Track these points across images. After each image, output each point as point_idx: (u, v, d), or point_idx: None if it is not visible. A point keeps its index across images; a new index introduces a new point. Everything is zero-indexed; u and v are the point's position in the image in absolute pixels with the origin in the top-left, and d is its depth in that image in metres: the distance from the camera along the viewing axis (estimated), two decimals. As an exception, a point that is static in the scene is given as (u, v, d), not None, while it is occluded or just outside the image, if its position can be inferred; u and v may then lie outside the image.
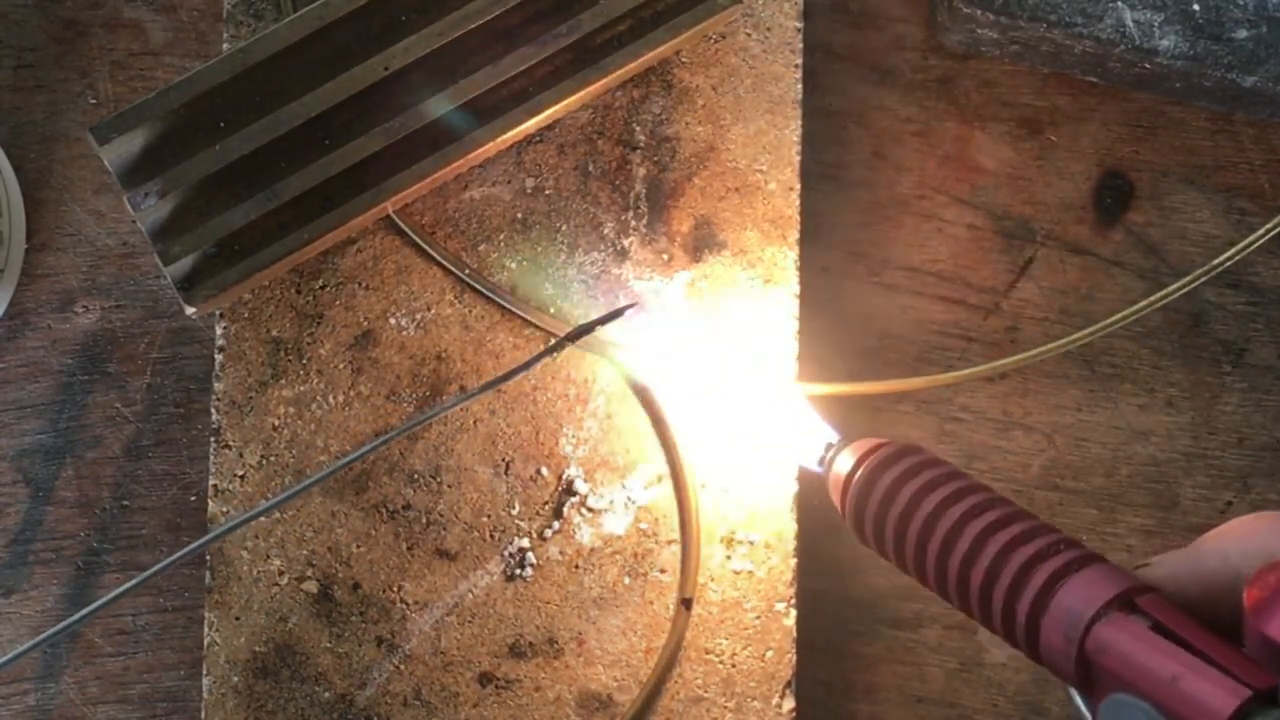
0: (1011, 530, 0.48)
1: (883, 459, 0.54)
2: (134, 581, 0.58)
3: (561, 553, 0.65)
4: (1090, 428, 0.72)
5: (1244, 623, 0.39)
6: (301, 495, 0.64)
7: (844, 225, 0.72)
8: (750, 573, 0.65)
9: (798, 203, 0.66)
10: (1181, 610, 0.44)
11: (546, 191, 0.66)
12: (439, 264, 0.65)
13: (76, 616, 0.58)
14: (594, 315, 0.65)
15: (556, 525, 0.65)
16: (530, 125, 0.63)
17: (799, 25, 0.67)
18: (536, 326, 0.65)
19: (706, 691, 0.65)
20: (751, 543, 0.65)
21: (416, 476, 0.65)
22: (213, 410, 0.64)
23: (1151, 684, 0.42)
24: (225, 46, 0.66)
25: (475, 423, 0.65)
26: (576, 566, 0.65)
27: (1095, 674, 0.44)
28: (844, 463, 0.56)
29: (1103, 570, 0.45)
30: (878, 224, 0.73)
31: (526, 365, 0.63)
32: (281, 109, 0.61)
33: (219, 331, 0.65)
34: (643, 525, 0.65)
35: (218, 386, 0.65)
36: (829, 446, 0.58)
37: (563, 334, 0.63)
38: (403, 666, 0.64)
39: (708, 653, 0.65)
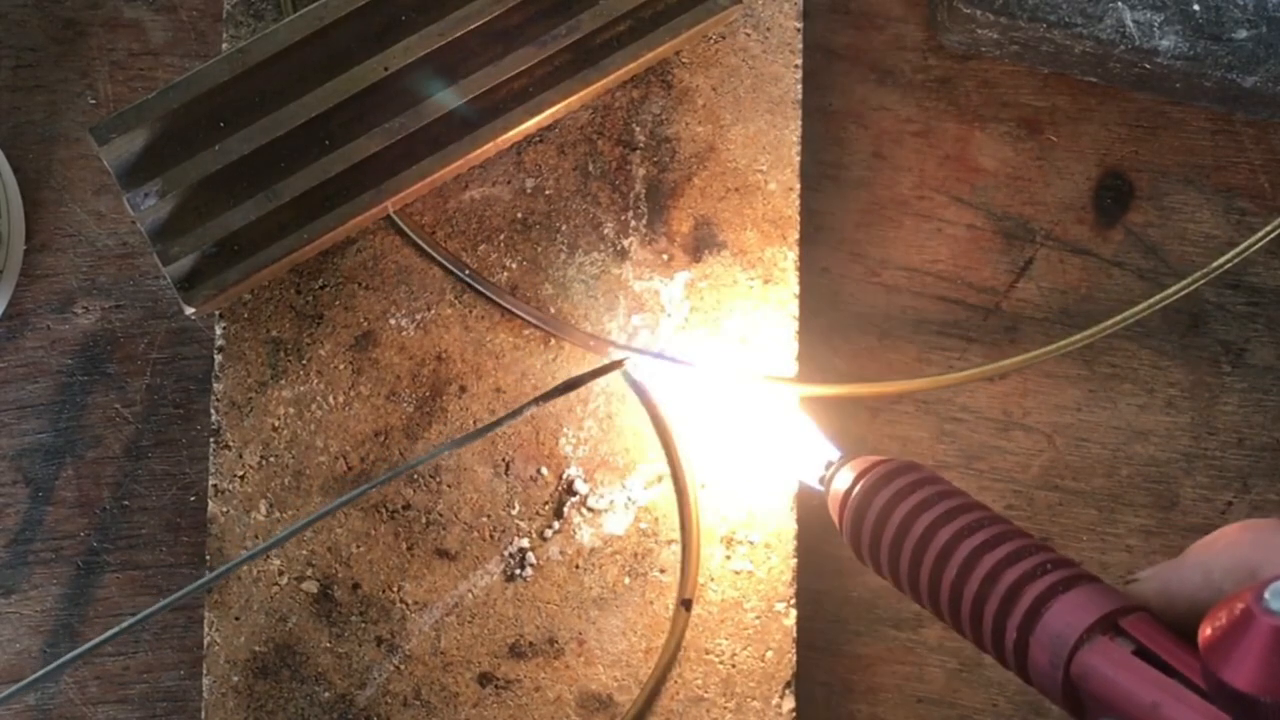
0: (1002, 550, 0.48)
1: (879, 477, 0.54)
2: (150, 611, 0.58)
3: (561, 553, 0.65)
4: (1090, 428, 0.72)
5: (1201, 659, 0.39)
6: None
7: (844, 225, 0.72)
8: (750, 573, 0.65)
9: (797, 203, 0.66)
10: (1167, 630, 0.43)
11: (546, 191, 0.66)
12: (439, 264, 0.65)
13: (92, 643, 0.58)
14: (593, 315, 0.65)
15: (556, 525, 0.65)
16: (530, 125, 0.63)
17: (799, 25, 0.67)
18: (537, 326, 0.65)
19: (706, 691, 0.65)
20: (751, 543, 0.65)
21: (416, 476, 0.65)
22: (212, 410, 0.64)
23: (1133, 711, 0.41)
24: (225, 46, 0.66)
25: (475, 423, 0.65)
26: (576, 566, 0.65)
27: (1082, 699, 0.44)
28: (843, 480, 0.56)
29: (1089, 591, 0.45)
30: (878, 224, 0.72)
31: (514, 414, 0.63)
32: (281, 109, 0.61)
33: (219, 331, 0.65)
34: (643, 525, 0.65)
35: (217, 387, 0.65)
36: (829, 464, 0.58)
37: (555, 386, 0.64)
38: (403, 666, 0.64)
39: (708, 653, 0.65)
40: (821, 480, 0.58)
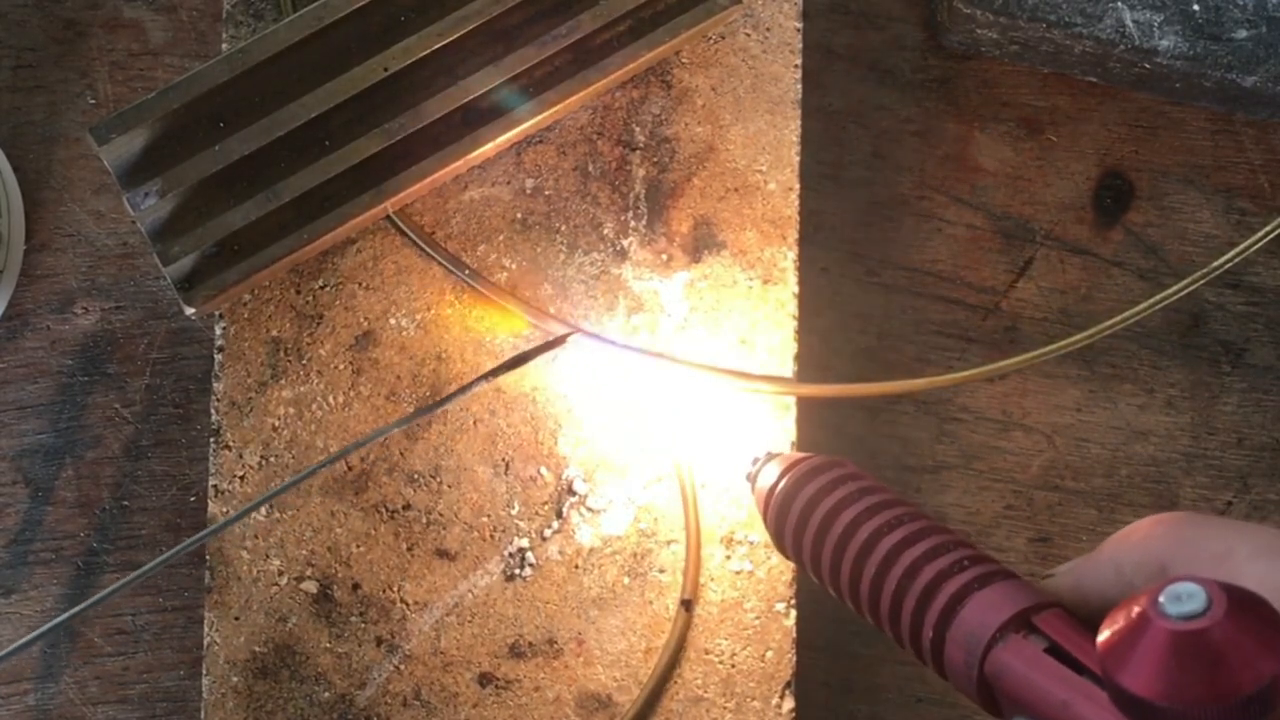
0: (921, 546, 0.47)
1: (804, 472, 0.54)
2: (130, 578, 0.58)
3: (561, 552, 0.65)
4: (1090, 428, 0.72)
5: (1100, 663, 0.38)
6: (302, 496, 0.64)
7: (843, 225, 0.72)
8: (750, 573, 0.65)
9: (797, 203, 0.66)
10: (1080, 627, 0.42)
11: (546, 192, 0.66)
12: (439, 264, 0.65)
13: (71, 612, 0.58)
14: (593, 315, 0.65)
15: (556, 525, 0.65)
16: (530, 125, 0.63)
17: (799, 25, 0.67)
18: (536, 327, 0.65)
19: (706, 691, 0.65)
20: (751, 543, 0.65)
21: (416, 476, 0.65)
22: (212, 410, 0.64)
23: (1044, 709, 0.41)
24: (225, 46, 0.66)
25: (475, 423, 0.65)
26: (576, 566, 0.65)
27: (997, 697, 0.43)
28: (768, 475, 0.56)
29: (1004, 589, 0.44)
30: (877, 224, 0.73)
31: (463, 390, 0.63)
32: (281, 109, 0.61)
33: (219, 332, 0.65)
34: (642, 525, 0.65)
35: (217, 387, 0.65)
36: (755, 460, 0.58)
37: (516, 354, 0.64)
38: (402, 666, 0.64)
39: (708, 653, 0.65)
40: (747, 476, 0.58)
